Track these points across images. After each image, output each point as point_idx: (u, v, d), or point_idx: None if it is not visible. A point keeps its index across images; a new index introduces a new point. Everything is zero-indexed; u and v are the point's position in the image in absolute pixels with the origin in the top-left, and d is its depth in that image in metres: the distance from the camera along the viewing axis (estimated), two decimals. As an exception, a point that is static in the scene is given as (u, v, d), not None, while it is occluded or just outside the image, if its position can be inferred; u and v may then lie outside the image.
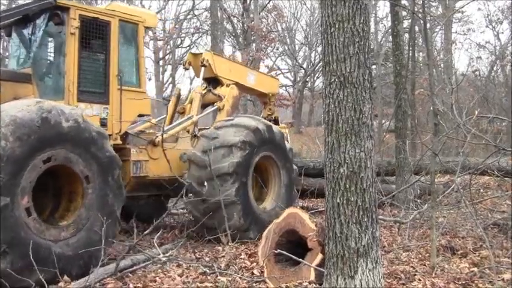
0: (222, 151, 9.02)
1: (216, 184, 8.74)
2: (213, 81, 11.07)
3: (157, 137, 9.25)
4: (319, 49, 37.77)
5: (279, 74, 42.33)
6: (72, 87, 7.88)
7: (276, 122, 11.86)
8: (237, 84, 11.22)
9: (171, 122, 10.63)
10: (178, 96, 11.46)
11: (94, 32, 8.22)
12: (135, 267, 7.00)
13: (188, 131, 10.08)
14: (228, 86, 10.97)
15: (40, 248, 6.22)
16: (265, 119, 11.07)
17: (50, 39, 8.40)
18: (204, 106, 10.98)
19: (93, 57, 8.39)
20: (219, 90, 10.95)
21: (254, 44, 29.96)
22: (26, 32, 8.44)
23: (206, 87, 11.07)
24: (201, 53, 11.04)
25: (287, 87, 42.61)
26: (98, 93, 8.30)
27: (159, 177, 9.19)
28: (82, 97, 8.01)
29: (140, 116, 9.17)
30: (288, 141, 11.30)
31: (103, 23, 8.36)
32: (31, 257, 5.97)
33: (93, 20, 8.20)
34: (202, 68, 10.72)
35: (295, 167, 10.48)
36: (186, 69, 11.43)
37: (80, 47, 8.02)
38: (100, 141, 7.00)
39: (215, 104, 10.85)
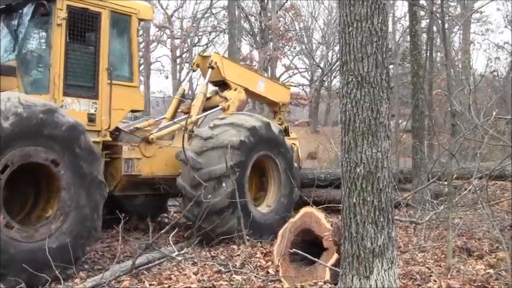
0: (212, 183, 8.53)
1: (215, 218, 8.44)
2: (221, 85, 10.97)
3: (150, 134, 9.08)
4: (337, 48, 37.69)
5: (296, 73, 42.47)
6: (58, 80, 7.57)
7: (286, 132, 11.58)
8: (246, 90, 11.06)
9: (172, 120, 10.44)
10: (182, 95, 11.36)
11: (83, 24, 7.87)
12: (150, 265, 7.03)
13: (186, 129, 9.99)
14: (235, 89, 10.86)
15: (36, 252, 6.02)
16: None
17: (35, 30, 8.08)
18: (211, 109, 10.76)
19: (81, 49, 8.03)
20: (226, 93, 10.80)
21: (271, 43, 30.03)
22: (12, 22, 8.09)
23: (213, 90, 10.99)
24: (210, 55, 10.95)
25: (304, 87, 42.68)
26: (86, 87, 7.97)
27: (152, 176, 8.99)
28: (69, 91, 7.71)
29: (133, 111, 8.96)
30: (299, 156, 11.17)
31: (93, 14, 8.00)
32: (32, 262, 5.87)
33: (81, 11, 7.84)
34: (209, 70, 10.63)
35: (289, 145, 10.08)
36: (194, 70, 11.40)
37: (67, 39, 7.68)
38: (51, 119, 6.38)
39: (220, 104, 10.67)
